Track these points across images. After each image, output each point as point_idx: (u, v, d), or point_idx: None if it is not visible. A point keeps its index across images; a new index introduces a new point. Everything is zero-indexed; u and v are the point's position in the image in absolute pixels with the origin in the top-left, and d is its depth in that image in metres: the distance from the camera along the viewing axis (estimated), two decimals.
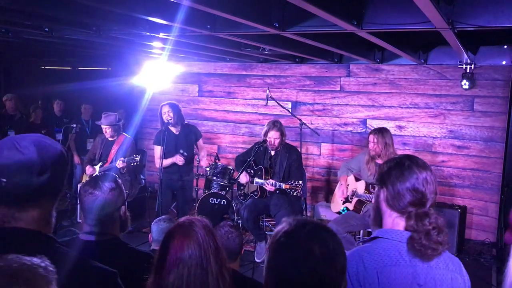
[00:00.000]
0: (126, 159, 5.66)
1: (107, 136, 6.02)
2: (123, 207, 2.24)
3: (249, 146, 6.03)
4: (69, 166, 1.46)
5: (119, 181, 2.28)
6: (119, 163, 5.64)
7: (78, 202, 6.79)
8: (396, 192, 1.71)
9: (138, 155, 5.73)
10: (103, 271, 1.48)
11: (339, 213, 5.41)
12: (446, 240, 1.68)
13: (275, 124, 5.27)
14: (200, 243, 1.74)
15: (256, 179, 5.31)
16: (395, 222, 1.73)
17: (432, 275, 1.67)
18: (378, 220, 1.81)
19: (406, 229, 1.69)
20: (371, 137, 5.01)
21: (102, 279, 1.47)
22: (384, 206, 1.77)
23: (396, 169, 1.74)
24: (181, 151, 5.61)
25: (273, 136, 5.22)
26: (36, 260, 1.03)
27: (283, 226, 1.38)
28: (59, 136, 7.53)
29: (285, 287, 1.29)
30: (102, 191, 2.16)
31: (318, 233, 1.32)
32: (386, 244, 1.70)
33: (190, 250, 1.72)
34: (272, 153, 5.38)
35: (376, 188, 1.83)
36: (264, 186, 5.20)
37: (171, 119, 5.53)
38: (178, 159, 5.54)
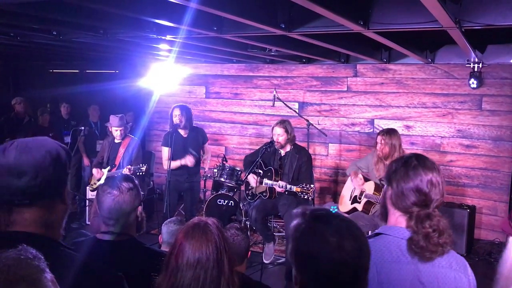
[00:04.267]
0: (132, 167, 5.66)
1: (118, 138, 6.02)
2: (139, 207, 2.26)
3: (256, 147, 6.04)
4: (66, 169, 1.45)
5: (136, 181, 2.31)
6: (126, 171, 5.65)
7: (87, 204, 6.84)
8: (400, 192, 1.72)
9: (145, 164, 5.73)
10: (109, 275, 1.47)
11: (348, 213, 5.40)
12: (450, 242, 1.67)
13: (281, 122, 5.29)
14: (217, 244, 1.74)
15: (266, 180, 5.30)
16: (398, 220, 1.75)
17: (435, 273, 1.67)
18: (384, 216, 1.83)
19: (407, 228, 1.70)
20: (378, 138, 5.01)
21: (108, 283, 1.46)
22: (389, 204, 1.79)
23: (402, 168, 1.74)
24: (190, 149, 5.60)
25: (276, 133, 5.24)
26: (23, 251, 1.02)
27: (300, 222, 1.36)
28: (68, 139, 7.58)
29: (322, 283, 1.31)
30: (120, 191, 2.19)
31: (343, 227, 1.33)
32: (387, 241, 1.71)
33: (208, 251, 1.71)
34: (282, 153, 5.37)
35: (385, 185, 1.84)
36: (275, 187, 5.19)
37: (181, 122, 5.55)
38: (189, 160, 5.54)
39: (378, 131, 5.49)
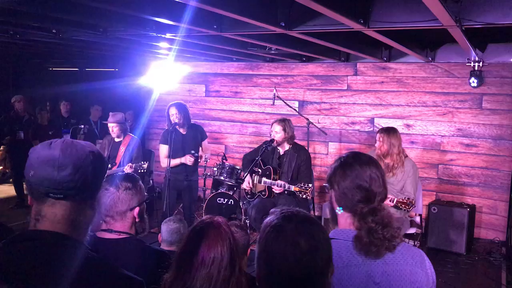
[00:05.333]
0: (134, 165, 5.65)
1: (114, 135, 6.00)
2: (137, 208, 2.24)
3: (256, 146, 6.03)
4: (104, 173, 1.51)
5: (140, 182, 2.31)
6: (127, 169, 5.64)
7: None
8: (342, 192, 1.72)
9: (146, 162, 5.72)
10: (131, 280, 1.48)
11: None
12: (396, 235, 1.66)
13: (281, 120, 5.29)
14: (231, 243, 1.74)
15: (264, 179, 5.30)
16: (347, 222, 1.73)
17: (388, 272, 1.65)
18: (334, 220, 1.82)
19: (356, 228, 1.69)
20: (377, 136, 5.04)
21: None
22: (336, 207, 1.78)
23: (339, 168, 1.76)
24: (193, 151, 5.59)
25: (274, 130, 5.25)
26: None
27: (270, 219, 1.41)
28: (67, 137, 7.57)
29: (276, 278, 1.34)
30: (117, 188, 2.21)
31: (304, 226, 1.36)
32: (337, 245, 1.67)
33: (223, 250, 1.71)
34: (281, 152, 5.37)
35: (328, 190, 1.84)
36: (272, 188, 5.19)
37: (179, 121, 5.55)
38: (188, 160, 5.53)
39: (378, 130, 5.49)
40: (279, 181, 5.15)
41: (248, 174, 5.34)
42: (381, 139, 4.97)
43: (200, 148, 5.91)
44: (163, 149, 5.66)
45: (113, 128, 5.93)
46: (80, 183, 1.37)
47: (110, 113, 6.00)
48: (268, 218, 1.43)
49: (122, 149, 6.02)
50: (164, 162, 5.64)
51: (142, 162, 5.69)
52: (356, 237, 1.65)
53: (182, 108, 5.62)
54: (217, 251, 1.70)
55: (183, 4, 3.23)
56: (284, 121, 5.27)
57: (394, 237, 1.65)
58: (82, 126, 7.62)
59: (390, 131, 5.00)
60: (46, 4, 3.69)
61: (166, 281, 1.73)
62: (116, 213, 2.19)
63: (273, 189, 5.19)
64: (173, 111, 5.56)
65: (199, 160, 5.87)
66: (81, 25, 4.60)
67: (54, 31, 5.00)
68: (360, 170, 1.71)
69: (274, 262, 1.33)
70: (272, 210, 1.47)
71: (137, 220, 2.27)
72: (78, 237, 1.41)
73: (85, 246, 1.42)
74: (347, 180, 1.71)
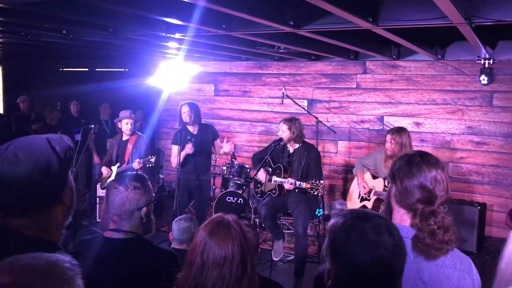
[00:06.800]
0: (142, 160, 5.69)
1: (127, 132, 6.02)
2: (144, 208, 2.25)
3: (265, 145, 6.04)
4: (60, 176, 1.39)
5: (148, 183, 2.31)
6: (136, 164, 5.67)
7: (97, 202, 6.89)
8: (404, 189, 1.72)
9: (153, 156, 5.75)
10: None
11: None
12: (454, 239, 1.67)
13: (288, 120, 5.28)
14: (242, 242, 1.74)
15: (275, 178, 5.30)
16: (402, 218, 1.74)
17: (437, 273, 1.66)
18: (389, 214, 1.82)
19: (411, 226, 1.70)
20: (388, 137, 5.00)
21: None
22: (393, 202, 1.78)
23: (405, 165, 1.75)
24: (188, 137, 5.60)
25: (281, 128, 5.25)
26: (59, 256, 1.06)
27: (340, 220, 1.37)
28: (78, 137, 7.63)
29: (355, 279, 1.31)
30: (126, 188, 2.21)
31: (381, 224, 1.34)
32: None
33: (234, 249, 1.71)
34: (291, 151, 5.37)
35: (389, 184, 1.84)
36: (284, 185, 5.19)
37: (189, 119, 5.58)
38: (188, 148, 5.54)
39: (387, 129, 5.48)
40: (289, 179, 5.14)
41: (261, 169, 5.34)
42: (392, 140, 4.93)
43: (213, 148, 5.92)
44: (174, 149, 5.70)
45: (131, 124, 5.97)
46: (34, 198, 1.31)
47: (123, 111, 6.03)
48: (336, 220, 1.39)
49: (129, 147, 6.06)
50: (173, 162, 5.67)
51: (150, 156, 5.70)
52: (417, 238, 1.66)
53: (193, 107, 5.67)
54: (228, 250, 1.69)
55: (192, 4, 3.24)
56: (290, 121, 5.25)
57: (452, 241, 1.67)
58: (93, 125, 7.65)
59: (400, 131, 4.97)
60: (57, 5, 3.72)
61: (180, 280, 1.73)
62: (123, 213, 2.20)
63: (285, 185, 5.18)
64: (185, 109, 5.61)
65: (215, 159, 5.83)
66: (91, 25, 4.63)
67: (64, 32, 5.03)
68: (426, 170, 1.70)
69: (354, 263, 1.30)
70: (334, 212, 1.45)
71: (144, 220, 2.28)
72: (50, 238, 1.37)
73: (57, 247, 1.37)
74: (411, 178, 1.71)
